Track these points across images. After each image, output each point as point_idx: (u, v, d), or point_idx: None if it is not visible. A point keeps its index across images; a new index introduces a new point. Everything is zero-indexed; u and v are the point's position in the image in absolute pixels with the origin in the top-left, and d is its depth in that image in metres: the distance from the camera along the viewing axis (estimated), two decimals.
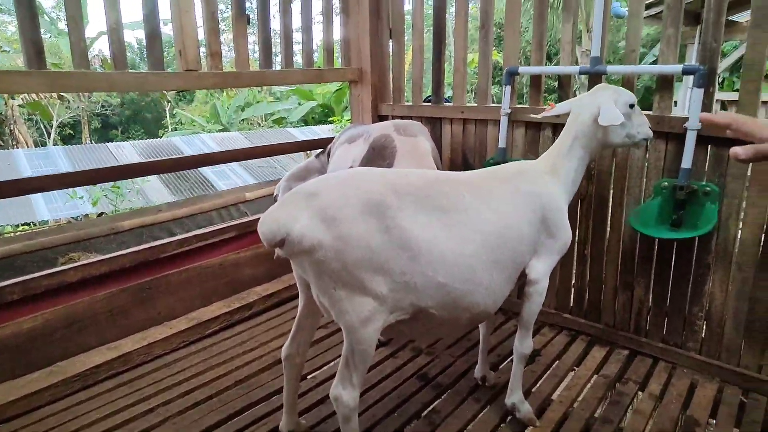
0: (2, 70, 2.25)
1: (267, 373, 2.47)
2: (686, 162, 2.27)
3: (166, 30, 2.82)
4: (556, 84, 2.91)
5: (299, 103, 16.76)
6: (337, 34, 3.50)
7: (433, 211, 1.68)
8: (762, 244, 2.22)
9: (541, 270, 1.95)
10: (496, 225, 1.79)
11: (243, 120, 17.74)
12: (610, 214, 2.63)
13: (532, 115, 2.15)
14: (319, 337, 2.74)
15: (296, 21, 3.23)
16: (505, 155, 2.85)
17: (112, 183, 8.54)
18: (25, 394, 2.19)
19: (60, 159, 10.93)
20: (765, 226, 2.20)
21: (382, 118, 3.51)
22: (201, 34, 2.75)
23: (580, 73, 2.57)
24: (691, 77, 2.29)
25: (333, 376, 2.40)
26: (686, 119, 2.28)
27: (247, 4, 2.87)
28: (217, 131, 16.02)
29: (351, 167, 2.65)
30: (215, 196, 3.55)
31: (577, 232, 2.71)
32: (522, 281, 1.99)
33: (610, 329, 2.70)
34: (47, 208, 9.17)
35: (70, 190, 8.78)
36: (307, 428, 2.09)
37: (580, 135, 2.06)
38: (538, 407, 2.20)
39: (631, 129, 2.09)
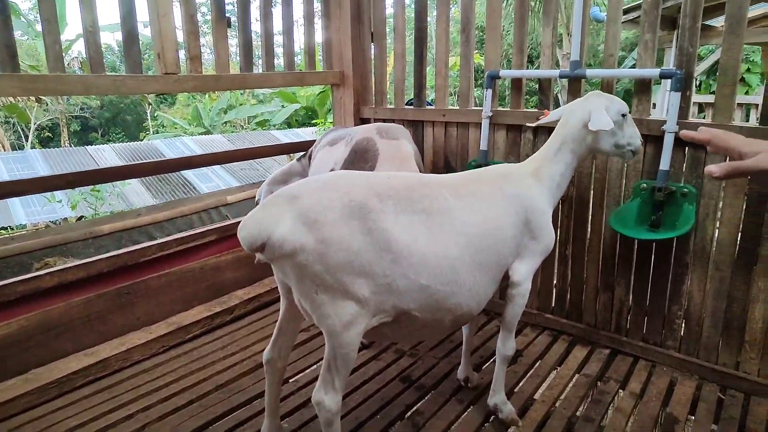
0: None
1: (248, 377, 2.44)
2: (664, 164, 2.30)
3: (148, 32, 2.79)
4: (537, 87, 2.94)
5: (282, 106, 16.68)
6: (319, 37, 3.50)
7: (415, 213, 1.68)
8: (738, 243, 2.26)
9: (523, 272, 1.96)
10: (478, 227, 1.79)
11: (226, 123, 17.61)
12: (590, 216, 2.66)
13: (528, 124, 2.17)
14: (301, 340, 2.72)
15: (278, 25, 3.23)
16: (487, 158, 2.86)
17: (91, 186, 8.40)
18: (0, 401, 2.14)
19: (38, 162, 10.74)
20: (741, 226, 2.24)
21: (364, 121, 3.51)
22: (181, 37, 2.73)
23: (560, 76, 2.59)
24: (669, 81, 2.32)
25: (315, 379, 2.37)
26: (664, 122, 2.31)
27: (229, 8, 2.85)
28: (199, 134, 15.87)
29: (332, 170, 2.64)
30: (196, 200, 3.51)
31: (558, 233, 2.73)
32: (505, 283, 2.00)
33: (592, 329, 2.72)
34: (25, 212, 9.00)
35: (48, 193, 8.63)
36: None
37: (569, 139, 2.07)
38: (520, 407, 2.22)
39: (621, 138, 2.09)
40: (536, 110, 2.73)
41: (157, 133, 18.23)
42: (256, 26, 3.04)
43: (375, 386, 2.37)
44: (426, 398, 2.31)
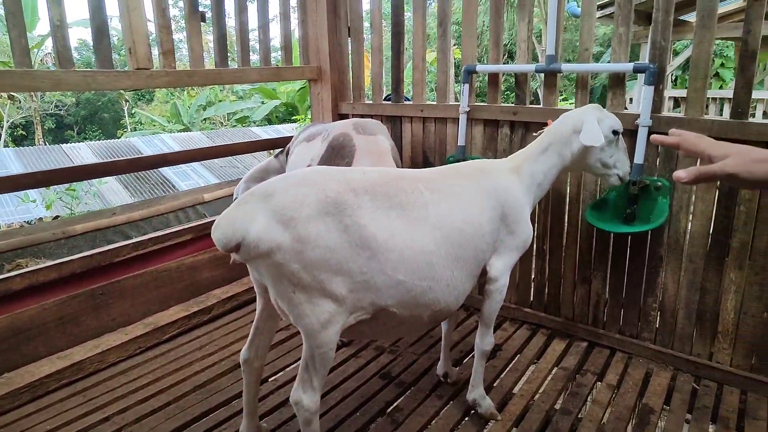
0: None
1: (227, 377, 2.42)
2: (638, 157, 2.32)
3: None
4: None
5: (262, 102, 16.54)
6: (295, 32, 3.46)
7: (391, 208, 1.66)
8: (710, 236, 2.29)
9: (501, 267, 1.96)
10: (455, 221, 1.79)
11: (205, 119, 17.40)
12: (567, 210, 2.67)
13: (534, 134, 2.14)
14: (279, 339, 2.70)
15: (254, 20, 3.18)
16: (465, 153, 2.86)
17: (66, 185, 8.24)
18: None
19: (10, 161, 10.49)
20: (712, 219, 2.27)
21: (342, 116, 3.48)
22: (153, 31, 2.68)
23: (536, 71, 2.60)
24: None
25: (294, 378, 2.36)
26: (638, 116, 2.33)
27: (204, 2, 2.80)
28: (178, 131, 15.66)
29: (309, 166, 2.62)
30: (172, 198, 3.46)
31: (536, 228, 2.75)
32: (483, 279, 2.00)
33: (570, 322, 2.75)
34: None
35: (22, 193, 8.44)
36: (268, 431, 2.05)
37: (556, 141, 2.06)
38: (499, 401, 2.23)
39: (608, 158, 2.09)
40: (513, 105, 2.74)
41: (135, 130, 17.95)
42: (231, 21, 3.00)
43: (354, 384, 2.36)
44: (406, 395, 2.31)
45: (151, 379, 2.39)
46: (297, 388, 1.65)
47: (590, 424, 2.09)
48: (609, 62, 2.44)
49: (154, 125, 17.36)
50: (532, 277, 2.88)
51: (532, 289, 2.89)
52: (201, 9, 2.84)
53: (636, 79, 3.01)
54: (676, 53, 8.77)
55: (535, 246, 2.79)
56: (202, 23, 2.87)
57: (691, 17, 6.95)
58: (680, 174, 0.97)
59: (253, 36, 3.33)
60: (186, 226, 2.97)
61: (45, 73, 2.28)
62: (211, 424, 2.11)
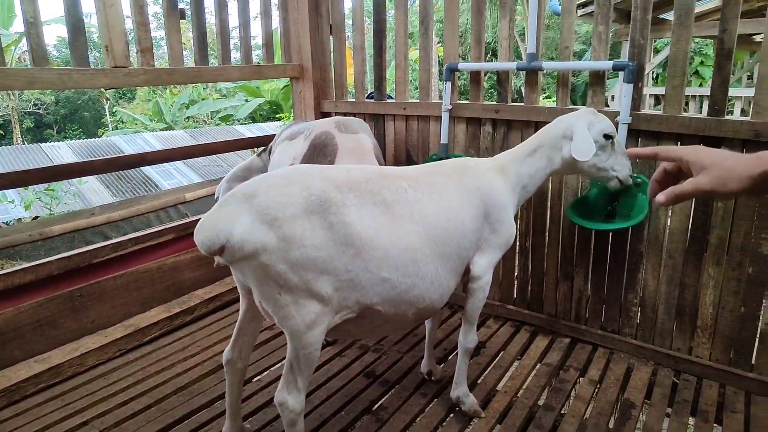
0: None
1: (210, 378, 2.40)
2: None
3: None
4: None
5: (246, 100, 16.41)
6: (277, 30, 3.43)
7: (375, 205, 1.66)
8: (689, 232, 2.32)
9: (484, 265, 1.96)
10: (439, 218, 1.78)
11: (188, 118, 17.22)
12: (549, 207, 2.69)
13: None
14: (263, 339, 2.68)
15: (235, 18, 3.14)
16: (447, 151, 2.86)
17: (45, 185, 8.10)
18: None
19: None
20: (691, 215, 2.30)
21: (325, 114, 3.47)
22: (131, 28, 2.63)
23: (518, 68, 2.60)
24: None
25: (278, 378, 2.35)
26: (618, 113, 2.35)
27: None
28: (160, 130, 15.47)
29: (291, 164, 2.60)
30: (153, 198, 3.41)
31: (518, 225, 2.76)
32: (466, 277, 2.00)
33: (552, 319, 2.77)
34: None
35: (0, 193, 8.28)
36: None
37: (546, 145, 2.04)
38: (483, 399, 2.24)
39: (603, 162, 2.03)
40: (495, 103, 2.74)
41: (117, 129, 17.71)
42: (212, 19, 2.96)
43: (339, 383, 2.35)
44: (390, 393, 2.31)
45: (131, 382, 2.36)
46: (282, 389, 1.64)
47: (573, 420, 2.10)
48: (590, 60, 2.45)
49: (136, 124, 17.13)
50: (515, 274, 2.90)
51: (516, 286, 2.90)
52: (181, 6, 2.81)
53: (617, 76, 3.02)
54: (656, 51, 8.87)
55: (517, 243, 2.80)
56: (182, 20, 2.83)
57: (670, 16, 7.02)
58: (660, 198, 0.99)
59: (235, 34, 3.29)
60: (167, 226, 2.94)
61: (18, 71, 2.23)
62: (193, 426, 2.09)
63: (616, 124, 2.34)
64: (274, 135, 3.18)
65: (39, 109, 20.36)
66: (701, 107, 7.80)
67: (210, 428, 2.08)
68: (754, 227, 2.16)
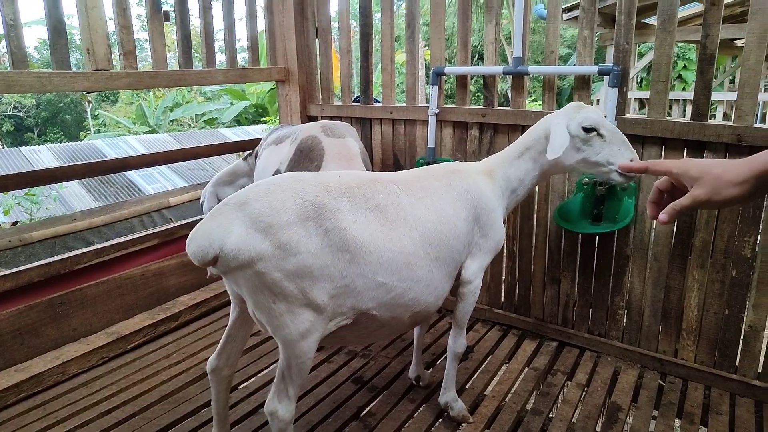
0: None
1: (195, 386, 2.36)
2: None
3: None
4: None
5: (231, 103, 16.30)
6: (262, 33, 3.41)
7: (369, 210, 1.65)
8: (674, 235, 2.34)
9: (474, 269, 1.96)
10: (431, 222, 1.78)
11: (172, 121, 17.04)
12: (536, 211, 2.69)
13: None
14: (250, 345, 2.65)
15: (219, 21, 3.11)
16: (435, 155, 2.86)
17: (25, 190, 7.96)
18: None
19: None
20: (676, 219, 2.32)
21: (311, 118, 3.45)
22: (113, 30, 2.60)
23: (504, 73, 2.61)
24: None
25: (266, 385, 2.34)
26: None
27: (168, 0, 2.73)
28: (144, 133, 15.30)
29: (278, 169, 2.59)
30: (136, 203, 3.35)
31: (506, 229, 2.76)
32: (457, 281, 1.99)
33: (540, 322, 2.77)
34: None
35: None
36: None
37: (531, 147, 2.01)
38: (471, 403, 2.23)
39: (593, 156, 1.91)
40: (481, 107, 2.75)
41: (99, 132, 17.47)
42: (196, 21, 2.93)
43: (327, 389, 2.33)
44: (378, 399, 2.29)
45: (114, 391, 2.31)
46: (272, 398, 1.61)
47: (561, 424, 2.11)
48: (575, 64, 2.47)
49: (119, 127, 16.92)
50: (503, 277, 2.90)
51: (503, 290, 2.91)
52: (165, 8, 2.77)
53: (602, 80, 3.04)
54: (640, 55, 8.98)
55: (505, 247, 2.80)
56: (166, 23, 2.80)
57: (654, 20, 7.12)
58: (662, 218, 1.00)
59: (220, 36, 3.26)
60: (151, 231, 2.89)
61: None
62: None
63: None
64: (260, 139, 3.16)
65: (19, 112, 20.04)
66: (684, 111, 7.90)
67: None
68: (737, 230, 2.19)
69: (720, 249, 2.23)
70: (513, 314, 2.86)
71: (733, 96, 6.38)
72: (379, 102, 3.26)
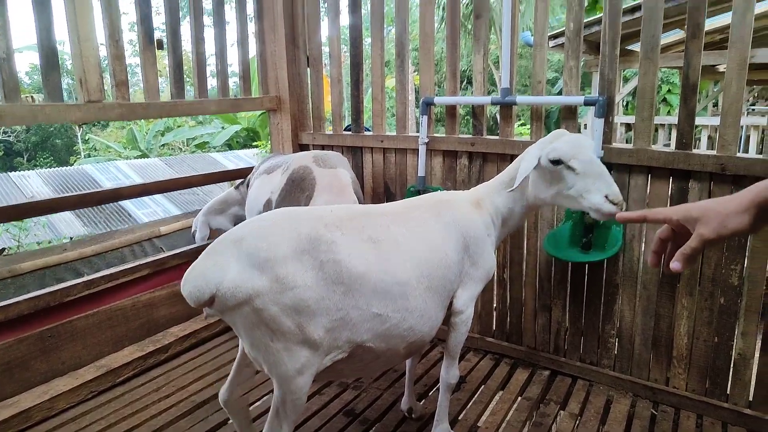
0: None
1: (185, 420, 2.33)
2: None
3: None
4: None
5: (222, 128, 16.36)
6: (254, 62, 3.44)
7: (363, 242, 1.67)
8: (662, 263, 2.35)
9: (466, 299, 1.96)
10: (423, 252, 1.79)
11: (163, 145, 17.06)
12: (526, 239, 2.71)
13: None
14: None
15: (211, 47, 3.15)
16: (425, 183, 2.89)
17: None
18: None
19: None
20: None
21: (303, 146, 3.47)
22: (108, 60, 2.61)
23: (492, 103, 2.65)
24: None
25: (259, 417, 2.30)
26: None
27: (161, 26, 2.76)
28: (134, 157, 15.29)
29: (269, 199, 2.60)
30: (127, 232, 3.34)
31: (496, 257, 2.77)
32: (449, 311, 1.99)
33: (532, 351, 2.77)
34: None
35: None
36: None
37: (515, 176, 1.96)
38: None
39: (568, 190, 1.84)
40: (471, 136, 2.78)
41: (89, 156, 17.42)
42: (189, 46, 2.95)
43: (318, 422, 2.31)
44: None
45: (103, 426, 2.28)
46: None
47: None
48: (562, 91, 2.51)
49: (110, 151, 16.91)
50: (494, 305, 2.90)
51: (495, 318, 2.91)
52: (158, 36, 2.81)
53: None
54: (626, 80, 9.15)
55: (496, 274, 2.81)
56: (159, 50, 2.83)
57: (638, 47, 7.27)
58: (675, 266, 0.99)
59: (212, 60, 3.28)
60: (141, 262, 2.87)
61: None
62: None
63: None
64: (252, 167, 3.17)
65: (9, 136, 19.97)
66: (670, 135, 8.03)
67: None
68: (723, 258, 2.22)
69: (708, 277, 2.26)
70: (505, 342, 2.86)
71: (716, 120, 6.50)
72: (369, 130, 3.29)
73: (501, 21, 2.61)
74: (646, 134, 2.34)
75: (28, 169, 15.11)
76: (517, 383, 2.60)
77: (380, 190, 3.17)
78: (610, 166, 2.40)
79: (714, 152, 2.21)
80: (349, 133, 3.27)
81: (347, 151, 3.26)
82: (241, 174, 3.36)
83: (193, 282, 1.44)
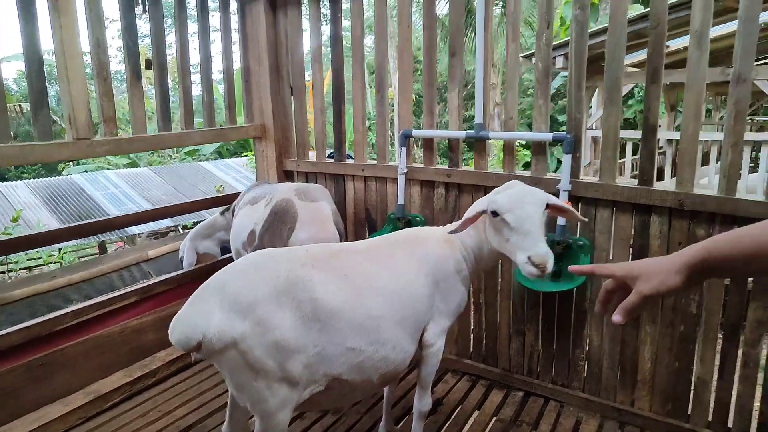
0: None
1: None
2: (561, 219, 2.51)
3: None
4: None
5: None
6: (239, 90, 3.54)
7: (338, 279, 1.78)
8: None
9: (436, 332, 2.06)
10: (395, 287, 1.90)
11: (153, 154, 17.03)
12: (500, 264, 2.83)
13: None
14: (221, 404, 2.70)
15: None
16: (404, 210, 3.00)
17: (1, 230, 7.92)
18: None
19: None
20: None
21: (287, 173, 3.58)
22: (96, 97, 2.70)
23: (467, 138, 2.77)
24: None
25: None
26: (559, 180, 2.53)
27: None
28: (124, 166, 15.27)
29: (253, 230, 2.70)
30: (114, 257, 3.43)
31: (472, 282, 2.89)
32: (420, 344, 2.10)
33: (507, 373, 2.89)
34: None
35: None
36: None
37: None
38: None
39: (502, 241, 1.89)
40: (447, 168, 2.90)
41: (78, 165, 17.36)
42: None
43: None
44: None
45: None
46: None
47: None
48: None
49: (99, 160, 16.84)
50: (471, 328, 3.02)
51: (472, 341, 3.02)
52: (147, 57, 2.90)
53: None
54: None
55: (472, 300, 2.93)
56: (148, 69, 2.92)
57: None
58: (616, 319, 1.05)
59: (196, 77, 3.34)
60: (129, 289, 2.96)
61: None
62: None
63: (557, 192, 2.51)
64: (238, 193, 3.27)
65: None
66: (635, 150, 8.17)
67: None
68: None
69: (669, 306, 2.39)
70: (481, 364, 2.98)
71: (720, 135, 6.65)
72: (352, 158, 3.40)
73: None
74: (611, 171, 2.46)
75: (17, 178, 15.07)
76: (491, 405, 2.72)
77: (362, 216, 3.28)
78: (579, 199, 2.54)
79: (673, 189, 2.34)
80: (332, 161, 3.38)
81: (330, 178, 3.37)
82: (231, 199, 3.44)
83: (180, 329, 1.55)
